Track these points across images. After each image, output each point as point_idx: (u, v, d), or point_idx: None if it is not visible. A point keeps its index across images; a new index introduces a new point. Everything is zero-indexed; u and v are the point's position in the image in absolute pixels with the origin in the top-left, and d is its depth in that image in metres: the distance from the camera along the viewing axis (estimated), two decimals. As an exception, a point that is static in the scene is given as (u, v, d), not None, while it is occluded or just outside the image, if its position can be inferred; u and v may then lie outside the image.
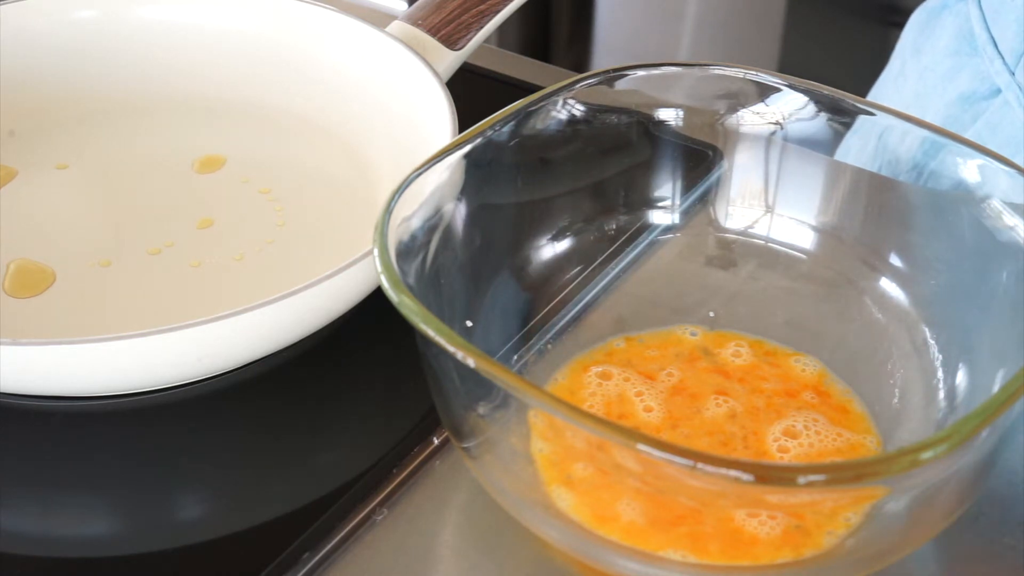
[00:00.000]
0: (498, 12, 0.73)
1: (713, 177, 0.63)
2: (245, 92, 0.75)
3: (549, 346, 0.59)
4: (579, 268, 0.62)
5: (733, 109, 0.61)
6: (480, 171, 0.56)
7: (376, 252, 0.49)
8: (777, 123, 0.60)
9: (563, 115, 0.59)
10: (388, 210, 0.51)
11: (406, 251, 0.51)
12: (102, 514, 0.57)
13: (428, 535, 0.54)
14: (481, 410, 0.50)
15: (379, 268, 0.48)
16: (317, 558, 0.53)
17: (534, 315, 0.60)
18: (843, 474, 0.43)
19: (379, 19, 0.74)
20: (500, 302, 0.58)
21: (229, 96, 0.75)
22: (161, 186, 0.71)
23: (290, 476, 0.57)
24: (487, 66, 0.80)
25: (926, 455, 0.43)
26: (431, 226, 0.54)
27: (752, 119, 0.60)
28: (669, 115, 0.62)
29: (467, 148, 0.55)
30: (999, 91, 0.71)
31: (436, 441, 0.57)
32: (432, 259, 0.54)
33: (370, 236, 0.50)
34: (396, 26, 0.73)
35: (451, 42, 0.72)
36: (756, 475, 0.42)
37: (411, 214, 0.52)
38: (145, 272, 0.65)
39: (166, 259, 0.66)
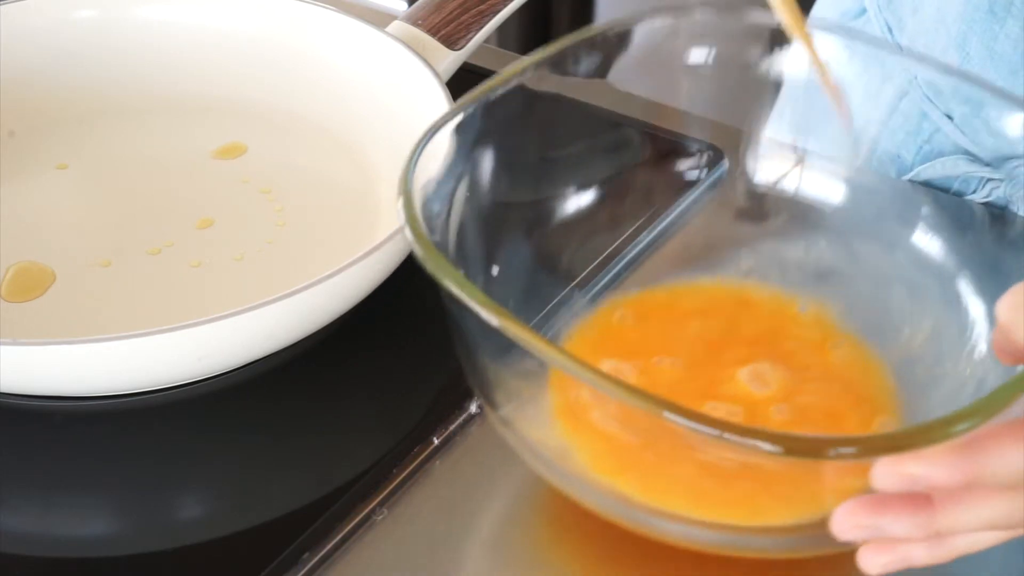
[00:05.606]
0: (498, 12, 0.73)
1: (747, 125, 0.63)
2: (245, 92, 0.75)
3: (578, 296, 0.58)
4: (607, 219, 0.61)
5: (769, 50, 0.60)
6: (506, 121, 0.55)
7: (401, 205, 0.47)
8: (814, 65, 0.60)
9: (593, 61, 0.58)
10: (413, 162, 0.49)
11: (430, 202, 0.50)
12: (102, 514, 0.57)
13: (428, 535, 0.54)
14: (522, 368, 0.49)
15: (411, 237, 0.47)
16: (317, 558, 0.53)
17: (559, 266, 0.59)
18: (875, 446, 0.42)
19: (379, 19, 0.74)
20: (525, 254, 0.58)
21: (229, 96, 0.75)
22: (161, 186, 0.71)
23: (290, 476, 0.57)
24: (487, 66, 0.80)
25: (961, 426, 0.41)
26: (455, 176, 0.53)
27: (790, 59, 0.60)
28: (700, 56, 0.61)
29: (493, 96, 0.54)
30: (865, 10, 0.76)
31: (436, 441, 0.57)
32: (456, 210, 0.53)
33: (369, 236, 0.50)
34: (396, 26, 0.73)
35: (451, 42, 0.72)
36: (784, 447, 0.41)
37: (434, 167, 0.51)
38: (145, 272, 0.65)
39: (166, 259, 0.66)
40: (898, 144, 0.70)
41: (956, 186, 0.70)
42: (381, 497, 0.55)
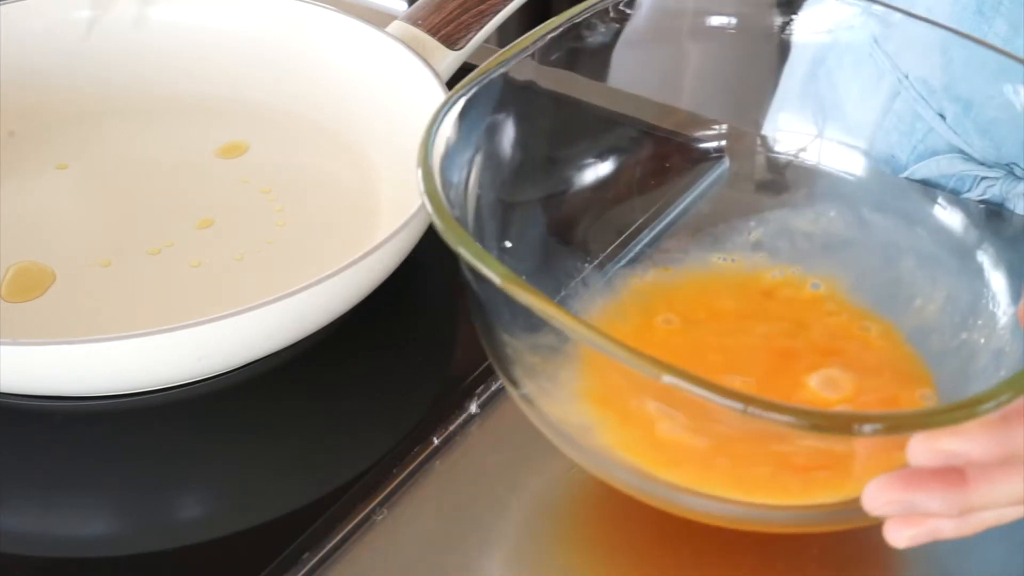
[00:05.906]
0: (498, 12, 0.73)
1: (765, 100, 0.63)
2: (245, 92, 0.75)
3: (592, 272, 0.58)
4: (623, 192, 0.61)
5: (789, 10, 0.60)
6: (521, 91, 0.55)
7: (421, 175, 0.47)
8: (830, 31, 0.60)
9: (606, 31, 0.58)
10: (431, 135, 0.49)
11: (448, 174, 0.49)
12: (102, 514, 0.57)
13: (428, 535, 0.54)
14: (537, 342, 0.49)
15: (431, 209, 0.46)
16: (317, 558, 0.53)
17: (575, 241, 0.59)
18: (903, 423, 0.42)
19: (379, 19, 0.74)
20: (540, 227, 0.58)
21: (229, 96, 0.75)
22: (161, 186, 0.71)
23: (290, 476, 0.57)
24: (487, 66, 0.80)
25: (991, 404, 0.41)
26: (472, 148, 0.53)
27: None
28: (722, 22, 0.61)
29: (507, 67, 0.53)
30: None
31: (436, 441, 0.57)
32: (473, 182, 0.53)
33: (369, 236, 0.50)
34: (396, 26, 0.73)
35: (451, 42, 0.72)
36: (812, 423, 0.41)
37: (450, 138, 0.51)
38: (145, 272, 0.65)
39: (166, 259, 0.66)
40: (892, 145, 0.71)
41: (951, 184, 0.70)
42: (381, 497, 0.55)
